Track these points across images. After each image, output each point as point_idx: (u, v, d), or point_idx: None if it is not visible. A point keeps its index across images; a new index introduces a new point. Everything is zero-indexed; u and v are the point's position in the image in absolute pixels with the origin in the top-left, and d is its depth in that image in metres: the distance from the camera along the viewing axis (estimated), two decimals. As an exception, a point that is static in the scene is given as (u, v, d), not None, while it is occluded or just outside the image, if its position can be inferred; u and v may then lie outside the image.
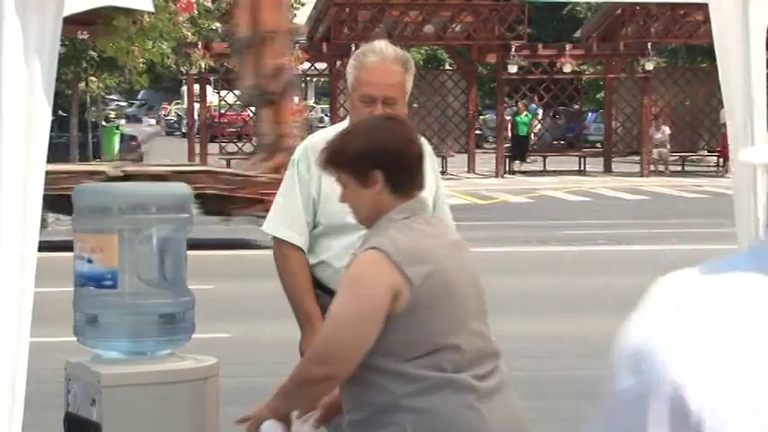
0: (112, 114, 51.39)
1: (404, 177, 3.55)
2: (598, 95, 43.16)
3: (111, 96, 45.39)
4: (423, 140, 4.38)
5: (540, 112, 37.77)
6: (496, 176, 32.70)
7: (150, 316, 3.73)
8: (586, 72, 37.76)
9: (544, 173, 34.04)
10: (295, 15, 48.56)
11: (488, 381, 3.55)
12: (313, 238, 4.39)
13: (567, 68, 32.63)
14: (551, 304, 12.42)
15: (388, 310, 3.42)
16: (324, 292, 4.30)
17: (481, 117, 46.82)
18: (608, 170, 34.33)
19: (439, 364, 3.47)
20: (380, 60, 4.43)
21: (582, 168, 34.28)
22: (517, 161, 34.86)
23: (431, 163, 4.37)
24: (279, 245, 4.36)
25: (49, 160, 3.31)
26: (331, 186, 4.00)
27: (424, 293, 3.45)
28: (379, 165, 3.51)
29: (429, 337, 3.47)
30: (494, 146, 35.95)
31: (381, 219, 3.54)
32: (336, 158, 3.58)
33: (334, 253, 4.34)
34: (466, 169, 33.88)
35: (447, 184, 28.40)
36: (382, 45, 4.52)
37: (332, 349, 3.44)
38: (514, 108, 35.73)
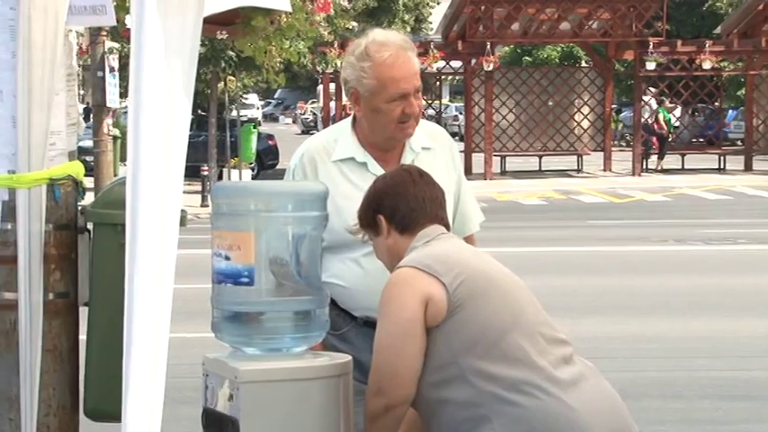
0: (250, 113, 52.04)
1: (406, 216, 3.68)
2: (739, 93, 42.35)
3: (248, 95, 45.97)
4: (443, 136, 4.29)
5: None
6: (633, 174, 32.31)
7: (286, 313, 3.77)
8: (727, 69, 37.07)
9: (682, 171, 33.53)
10: (430, 14, 48.64)
11: (568, 369, 3.49)
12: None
13: (707, 65, 32.08)
14: (690, 304, 12.23)
15: (426, 320, 3.45)
16: (333, 304, 4.10)
17: (618, 115, 46.26)
18: (749, 168, 33.67)
19: (509, 359, 3.43)
20: (396, 52, 4.05)
21: (722, 166, 33.68)
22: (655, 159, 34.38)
23: (451, 160, 4.26)
24: None
25: (189, 159, 3.36)
26: (332, 202, 3.94)
27: (463, 288, 3.46)
28: (378, 210, 3.72)
29: (486, 331, 3.45)
30: (630, 144, 35.54)
31: (407, 254, 3.65)
32: (358, 221, 3.80)
33: (335, 271, 4.12)
34: (602, 167, 33.54)
35: (583, 182, 27.94)
36: (388, 35, 4.13)
37: (382, 378, 3.48)
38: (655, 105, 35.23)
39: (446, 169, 4.21)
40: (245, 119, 48.62)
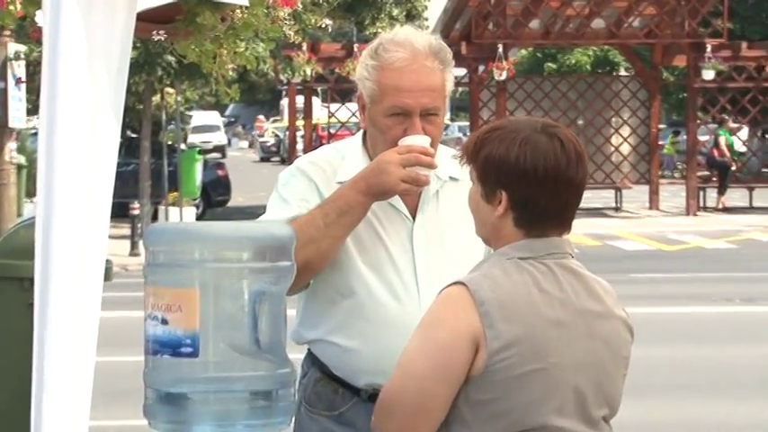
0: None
1: (535, 209, 3.55)
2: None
3: (191, 112, 46.01)
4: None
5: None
6: (687, 214, 32.42)
7: (240, 393, 3.77)
8: (806, 78, 37.31)
9: (750, 210, 33.67)
10: (426, 7, 48.91)
11: None
12: (307, 303, 4.19)
13: (781, 74, 32.32)
14: (762, 381, 12.26)
15: (467, 367, 3.45)
16: (327, 378, 4.16)
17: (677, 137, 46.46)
18: (835, 206, 33.89)
19: None
20: (412, 56, 4.05)
21: (800, 204, 33.89)
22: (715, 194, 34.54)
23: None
24: None
25: (114, 194, 3.36)
26: None
27: (502, 363, 3.46)
28: (505, 184, 3.54)
29: (503, 418, 3.48)
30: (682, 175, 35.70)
31: (497, 250, 3.58)
32: (473, 150, 3.60)
33: (333, 324, 4.13)
34: (647, 205, 33.67)
35: (622, 224, 27.96)
36: (410, 33, 4.11)
37: (398, 405, 3.50)
38: (712, 125, 35.40)
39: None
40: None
